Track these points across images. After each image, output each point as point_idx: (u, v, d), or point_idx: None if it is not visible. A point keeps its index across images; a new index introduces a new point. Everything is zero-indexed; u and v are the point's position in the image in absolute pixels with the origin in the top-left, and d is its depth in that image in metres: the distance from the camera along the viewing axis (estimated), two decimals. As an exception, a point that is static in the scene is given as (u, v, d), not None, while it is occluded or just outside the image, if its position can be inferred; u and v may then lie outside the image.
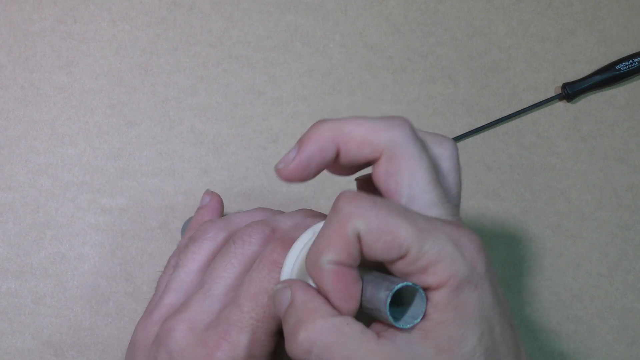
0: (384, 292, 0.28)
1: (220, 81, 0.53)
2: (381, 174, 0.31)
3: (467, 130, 0.54)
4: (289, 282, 0.30)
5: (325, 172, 0.50)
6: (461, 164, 0.53)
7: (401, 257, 0.28)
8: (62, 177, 0.50)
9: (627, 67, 0.55)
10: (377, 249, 0.28)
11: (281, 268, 0.32)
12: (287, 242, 0.32)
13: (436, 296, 0.28)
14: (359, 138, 0.31)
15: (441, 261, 0.28)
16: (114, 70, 0.53)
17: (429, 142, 0.33)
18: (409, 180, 0.30)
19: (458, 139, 0.53)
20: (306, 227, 0.33)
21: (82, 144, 0.51)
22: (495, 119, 0.54)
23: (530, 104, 0.55)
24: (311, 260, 0.28)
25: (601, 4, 0.58)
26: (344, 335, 0.28)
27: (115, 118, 0.52)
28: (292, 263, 0.31)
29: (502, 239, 0.52)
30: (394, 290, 0.27)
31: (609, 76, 0.55)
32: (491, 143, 0.54)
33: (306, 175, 0.31)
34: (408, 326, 0.28)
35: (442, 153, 0.33)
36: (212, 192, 0.44)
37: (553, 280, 0.51)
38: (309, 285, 0.30)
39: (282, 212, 0.38)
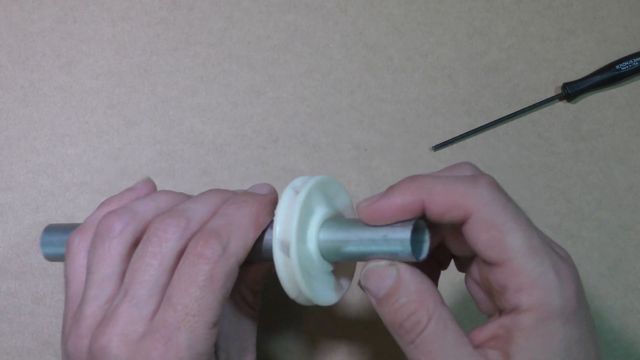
0: (401, 229, 0.29)
1: (220, 81, 0.53)
2: (477, 231, 0.30)
3: (467, 130, 0.54)
4: (394, 263, 0.30)
5: (326, 166, 0.49)
6: (461, 164, 0.53)
7: (499, 265, 0.29)
8: (62, 177, 0.50)
9: (627, 67, 0.55)
10: (481, 240, 0.29)
11: (208, 259, 0.31)
12: (212, 233, 0.32)
13: (524, 320, 0.28)
14: (442, 197, 0.31)
15: (540, 285, 0.28)
16: (114, 70, 0.53)
17: None
18: (508, 233, 0.30)
19: (458, 139, 0.53)
20: (220, 213, 0.33)
21: (82, 144, 0.51)
22: (495, 119, 0.54)
23: (530, 104, 0.55)
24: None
25: (601, 4, 0.58)
26: (448, 329, 0.29)
27: (115, 118, 0.52)
28: (283, 222, 0.32)
29: (502, 239, 0.52)
30: (414, 223, 0.29)
31: (609, 76, 0.55)
32: (491, 143, 0.54)
33: (384, 219, 0.31)
34: (422, 257, 0.29)
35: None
36: (148, 180, 0.39)
37: (553, 280, 0.51)
38: (414, 267, 0.31)
39: (187, 196, 0.37)
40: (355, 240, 0.31)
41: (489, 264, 0.30)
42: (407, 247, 0.29)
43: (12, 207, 0.49)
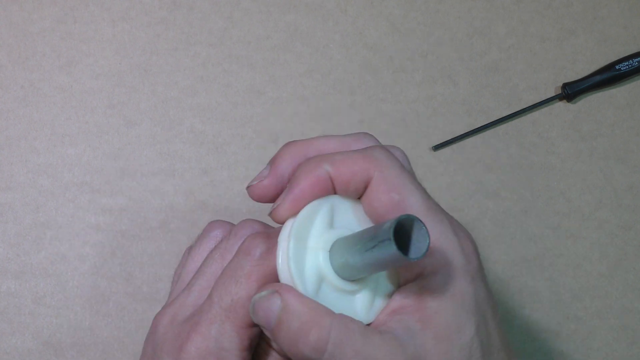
0: (386, 225, 0.27)
1: (220, 81, 0.53)
2: (377, 194, 0.30)
3: (467, 130, 0.54)
4: (275, 287, 0.30)
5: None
6: (461, 164, 0.53)
7: None
8: (62, 177, 0.50)
9: (627, 67, 0.55)
10: (382, 201, 0.29)
11: (250, 256, 0.31)
12: (268, 234, 0.32)
13: (432, 282, 0.28)
14: (345, 167, 0.31)
15: (441, 245, 0.28)
16: (114, 70, 0.53)
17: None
18: (407, 195, 0.30)
19: (458, 139, 0.53)
20: None
21: (82, 144, 0.51)
22: (495, 119, 0.54)
23: (530, 104, 0.55)
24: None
25: (601, 4, 0.58)
26: (351, 331, 0.28)
27: (115, 118, 0.52)
28: (291, 223, 0.31)
29: (502, 239, 0.52)
30: (398, 219, 0.27)
31: (609, 76, 0.55)
32: (491, 143, 0.54)
33: (296, 208, 0.31)
34: (418, 257, 0.27)
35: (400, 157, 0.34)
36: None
37: (553, 280, 0.51)
38: (292, 287, 0.30)
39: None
40: (350, 243, 0.30)
41: None
42: (389, 238, 0.27)
43: (12, 207, 0.49)
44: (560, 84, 0.55)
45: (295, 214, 0.31)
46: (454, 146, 0.53)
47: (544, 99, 0.55)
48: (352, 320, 0.29)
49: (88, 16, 0.54)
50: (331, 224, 0.32)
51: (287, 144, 0.33)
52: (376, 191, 0.30)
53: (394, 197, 0.29)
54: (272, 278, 0.31)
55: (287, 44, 0.55)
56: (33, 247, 0.48)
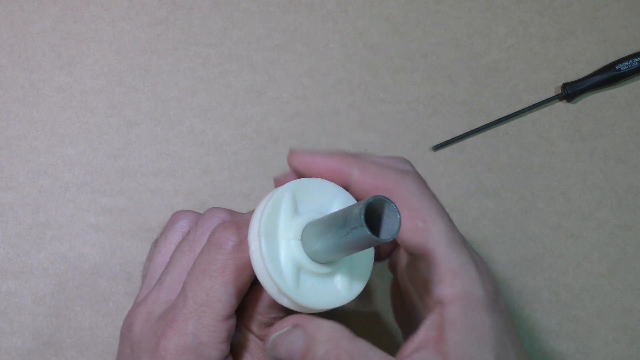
0: (356, 208, 0.27)
1: (220, 81, 0.53)
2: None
3: (467, 130, 0.54)
4: (295, 321, 0.30)
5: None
6: (461, 163, 0.53)
7: (421, 255, 0.28)
8: (62, 177, 0.50)
9: (627, 67, 0.55)
10: (405, 225, 0.29)
11: (222, 249, 0.31)
12: (237, 224, 0.32)
13: (451, 312, 0.28)
14: (372, 177, 0.31)
15: (462, 275, 0.28)
16: (114, 70, 0.53)
17: None
18: (431, 225, 0.30)
19: (458, 139, 0.53)
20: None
21: (82, 144, 0.51)
22: (495, 119, 0.54)
23: (530, 104, 0.55)
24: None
25: (601, 4, 0.58)
26: (374, 356, 0.29)
27: (115, 118, 0.52)
28: (258, 220, 0.31)
29: (502, 239, 0.52)
30: (368, 201, 0.27)
31: (609, 76, 0.55)
32: (491, 143, 0.54)
33: (308, 170, 0.32)
34: (389, 238, 0.27)
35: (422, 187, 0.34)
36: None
37: (553, 280, 0.51)
38: (312, 316, 0.30)
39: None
40: (322, 229, 0.30)
41: (412, 255, 0.30)
42: (362, 225, 0.27)
43: (12, 207, 0.49)
44: (560, 84, 0.55)
45: (299, 171, 0.32)
46: (454, 146, 0.53)
47: (544, 99, 0.55)
48: (372, 348, 0.29)
49: (88, 16, 0.54)
50: (296, 211, 0.32)
51: (349, 153, 0.33)
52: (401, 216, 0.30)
53: (418, 225, 0.30)
54: (246, 270, 0.31)
55: (287, 44, 0.55)
56: (33, 247, 0.48)
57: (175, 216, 0.37)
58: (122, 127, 0.52)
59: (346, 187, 0.32)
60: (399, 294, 0.35)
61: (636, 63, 0.55)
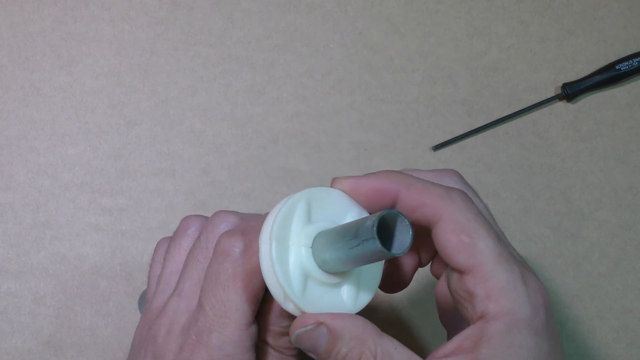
0: (369, 220, 0.27)
1: (220, 81, 0.53)
2: (447, 233, 0.30)
3: (467, 130, 0.54)
4: (319, 318, 0.30)
5: (326, 166, 0.49)
6: (461, 163, 0.53)
7: (467, 271, 0.28)
8: (62, 177, 0.50)
9: (627, 67, 0.55)
10: (451, 241, 0.29)
11: (230, 257, 0.31)
12: (243, 230, 0.32)
13: (491, 328, 0.28)
14: (417, 193, 0.31)
15: (508, 292, 0.28)
16: (114, 70, 0.53)
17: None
18: (478, 240, 0.30)
19: (458, 139, 0.53)
20: (255, 217, 0.33)
21: (82, 144, 0.51)
22: (495, 119, 0.54)
23: (530, 104, 0.55)
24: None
25: (601, 4, 0.58)
26: (399, 356, 0.29)
27: (115, 118, 0.52)
28: (270, 224, 0.31)
29: (502, 239, 0.52)
30: (381, 214, 0.27)
31: (609, 76, 0.55)
32: (491, 143, 0.54)
33: (357, 194, 0.32)
34: (400, 253, 0.27)
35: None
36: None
37: (553, 280, 0.51)
38: (339, 314, 0.30)
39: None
40: (333, 239, 0.30)
41: (457, 270, 0.29)
42: (374, 237, 0.27)
43: (12, 207, 0.49)
44: (560, 84, 0.55)
45: (348, 190, 0.32)
46: (454, 146, 0.53)
47: (544, 99, 0.55)
48: (397, 347, 0.29)
49: (88, 16, 0.54)
50: (309, 219, 0.32)
51: (393, 171, 0.33)
52: (446, 230, 0.30)
53: (464, 240, 0.29)
54: (256, 275, 0.31)
55: (287, 44, 0.55)
56: (33, 247, 0.48)
57: (186, 222, 0.37)
58: (122, 127, 0.52)
59: (393, 206, 0.32)
60: (444, 297, 0.35)
61: (636, 63, 0.55)
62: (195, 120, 0.52)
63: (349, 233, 0.29)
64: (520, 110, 0.54)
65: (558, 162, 0.54)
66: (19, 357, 0.47)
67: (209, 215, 0.36)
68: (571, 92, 0.55)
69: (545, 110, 0.55)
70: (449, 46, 0.56)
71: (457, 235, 0.29)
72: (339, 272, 0.31)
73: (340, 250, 0.29)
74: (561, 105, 0.55)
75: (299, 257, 0.31)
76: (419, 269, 0.36)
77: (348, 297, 0.32)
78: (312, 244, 0.31)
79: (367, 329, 0.30)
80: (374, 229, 0.27)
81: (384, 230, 0.28)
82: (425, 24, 0.56)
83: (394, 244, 0.28)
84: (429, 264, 0.36)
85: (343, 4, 0.56)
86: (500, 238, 0.30)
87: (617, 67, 0.55)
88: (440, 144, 0.53)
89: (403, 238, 0.27)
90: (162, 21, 0.54)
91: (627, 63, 0.55)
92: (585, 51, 0.57)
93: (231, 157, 0.52)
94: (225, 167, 0.51)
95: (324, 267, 0.31)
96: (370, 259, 0.29)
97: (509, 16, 0.57)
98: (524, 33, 0.57)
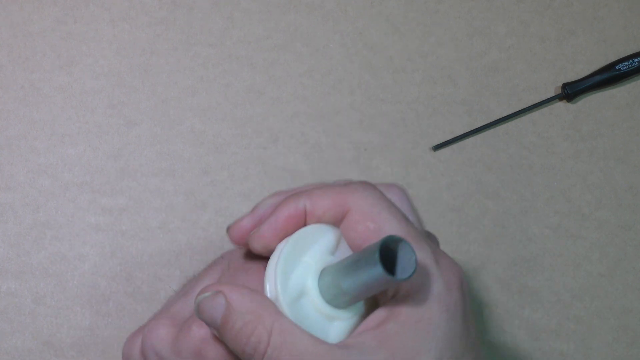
0: (371, 247, 0.27)
1: (220, 81, 0.53)
2: (353, 224, 0.30)
3: (467, 130, 0.54)
4: (219, 287, 0.29)
5: (326, 166, 0.49)
6: (461, 163, 0.53)
7: None
8: (62, 177, 0.50)
9: (627, 67, 0.55)
10: (357, 231, 0.28)
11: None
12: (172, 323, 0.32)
13: (401, 305, 0.27)
14: (320, 198, 0.31)
15: (418, 270, 0.27)
16: (114, 70, 0.53)
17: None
18: (383, 223, 0.29)
19: (458, 139, 0.53)
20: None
21: (82, 144, 0.51)
22: (495, 119, 0.54)
23: (530, 104, 0.55)
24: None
25: (601, 4, 0.58)
26: (297, 336, 0.28)
27: (115, 118, 0.52)
28: (274, 269, 0.30)
29: (502, 239, 0.52)
30: (382, 240, 0.26)
31: (609, 76, 0.55)
32: (491, 143, 0.54)
33: (275, 238, 0.31)
34: (406, 276, 0.26)
35: (393, 199, 0.32)
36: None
37: (553, 280, 0.51)
38: (241, 286, 0.29)
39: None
40: (338, 271, 0.29)
41: None
42: (377, 264, 0.26)
43: (12, 207, 0.49)
44: (560, 84, 0.55)
45: (269, 243, 0.31)
46: (454, 146, 0.53)
47: (544, 99, 0.55)
48: (300, 327, 0.28)
49: (88, 16, 0.54)
50: (332, 252, 0.32)
51: (273, 193, 0.33)
52: (352, 221, 0.30)
53: (370, 226, 0.29)
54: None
55: (287, 44, 0.55)
56: (33, 247, 0.48)
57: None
58: (122, 127, 0.52)
59: (306, 224, 0.31)
60: None
61: (636, 63, 0.55)
62: (195, 120, 0.52)
63: (353, 259, 0.28)
64: (520, 110, 0.54)
65: (558, 162, 0.54)
66: (19, 357, 0.47)
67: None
68: (571, 92, 0.55)
69: (545, 110, 0.55)
70: (449, 46, 0.56)
71: (363, 224, 0.29)
72: (340, 303, 0.31)
73: (344, 276, 0.29)
74: (561, 105, 0.55)
75: (304, 273, 0.31)
76: None
77: (335, 336, 0.31)
78: (321, 272, 0.31)
79: (266, 304, 0.29)
80: (377, 252, 0.26)
81: (388, 259, 0.27)
82: (425, 24, 0.56)
83: (397, 269, 0.27)
84: None
85: (343, 4, 0.56)
86: (407, 220, 0.30)
87: (617, 67, 0.55)
88: (440, 144, 0.53)
89: (407, 263, 0.27)
90: (162, 21, 0.54)
91: (627, 63, 0.55)
92: (585, 51, 0.57)
93: (231, 157, 0.52)
94: (225, 167, 0.51)
95: (325, 293, 0.30)
96: (374, 285, 0.28)
97: (509, 16, 0.57)
98: (524, 33, 0.57)
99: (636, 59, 0.55)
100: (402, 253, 0.27)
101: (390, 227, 0.29)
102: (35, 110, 0.51)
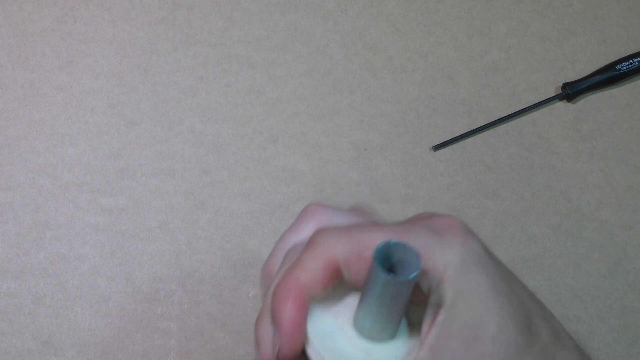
0: (375, 258, 0.26)
1: (220, 81, 0.53)
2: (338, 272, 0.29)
3: (467, 130, 0.54)
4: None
5: (326, 166, 0.49)
6: (461, 163, 0.53)
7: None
8: (62, 177, 0.50)
9: (627, 67, 0.55)
10: (362, 269, 0.27)
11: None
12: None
13: (444, 291, 0.27)
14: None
15: (428, 255, 0.27)
16: (114, 70, 0.53)
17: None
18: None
19: (458, 139, 0.53)
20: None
21: (82, 144, 0.51)
22: (495, 119, 0.54)
23: (530, 104, 0.55)
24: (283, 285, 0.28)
25: (601, 4, 0.58)
26: None
27: (115, 118, 0.52)
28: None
29: (502, 239, 0.52)
30: (378, 248, 0.26)
31: (609, 76, 0.55)
32: (491, 143, 0.54)
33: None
34: (410, 275, 0.26)
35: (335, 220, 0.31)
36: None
37: (553, 280, 0.51)
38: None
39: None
40: (362, 312, 0.29)
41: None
42: (378, 268, 0.26)
43: (12, 207, 0.49)
44: (560, 84, 0.55)
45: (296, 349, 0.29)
46: (454, 146, 0.53)
47: (544, 99, 0.55)
48: None
49: (88, 16, 0.54)
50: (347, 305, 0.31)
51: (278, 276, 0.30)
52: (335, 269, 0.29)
53: (352, 248, 0.28)
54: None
55: (287, 44, 0.55)
56: (33, 247, 0.48)
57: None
58: (122, 127, 0.52)
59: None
60: None
61: (636, 63, 0.55)
62: (195, 120, 0.52)
63: (365, 292, 0.28)
64: (520, 110, 0.54)
65: (558, 162, 0.54)
66: (19, 357, 0.47)
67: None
68: (571, 92, 0.55)
69: (545, 110, 0.55)
70: (449, 46, 0.56)
71: (364, 263, 0.28)
72: (372, 333, 0.30)
73: (361, 304, 0.28)
74: (561, 105, 0.55)
75: (342, 339, 0.30)
76: None
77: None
78: (353, 323, 0.30)
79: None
80: (376, 260, 0.26)
81: (394, 269, 0.27)
82: (425, 24, 0.56)
83: (401, 269, 0.27)
84: None
85: (343, 4, 0.56)
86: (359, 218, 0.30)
87: (617, 67, 0.55)
88: (440, 144, 0.53)
89: (409, 262, 0.27)
90: (162, 21, 0.54)
91: (627, 63, 0.55)
92: (585, 51, 0.57)
93: (231, 157, 0.52)
94: (225, 167, 0.51)
95: (369, 335, 0.30)
96: (387, 294, 0.27)
97: (509, 16, 0.57)
98: (524, 33, 0.57)
99: (636, 59, 0.55)
100: (402, 253, 0.27)
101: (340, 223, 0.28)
102: (35, 110, 0.51)
